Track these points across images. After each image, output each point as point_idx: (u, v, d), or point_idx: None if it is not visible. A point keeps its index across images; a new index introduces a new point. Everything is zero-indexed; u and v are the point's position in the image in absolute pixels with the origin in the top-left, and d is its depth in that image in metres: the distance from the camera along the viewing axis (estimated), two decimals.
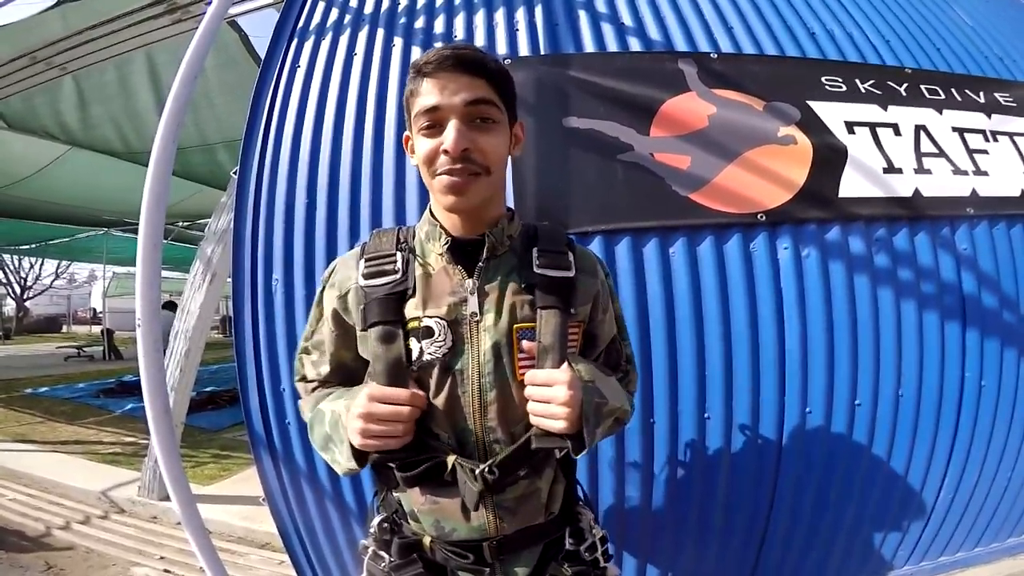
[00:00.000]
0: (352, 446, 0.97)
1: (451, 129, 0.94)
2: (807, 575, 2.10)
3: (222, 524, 3.42)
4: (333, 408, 1.05)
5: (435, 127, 0.97)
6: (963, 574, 2.24)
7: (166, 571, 3.12)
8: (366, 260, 1.07)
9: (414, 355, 1.00)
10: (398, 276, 1.04)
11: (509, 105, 1.04)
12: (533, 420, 0.97)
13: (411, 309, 1.02)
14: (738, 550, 2.03)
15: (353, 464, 0.99)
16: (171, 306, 8.92)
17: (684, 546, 2.00)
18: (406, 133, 1.10)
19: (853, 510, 2.06)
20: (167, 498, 3.79)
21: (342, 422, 1.00)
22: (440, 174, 0.97)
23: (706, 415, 1.90)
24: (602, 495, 1.92)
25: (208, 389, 7.20)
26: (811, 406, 1.95)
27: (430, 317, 1.01)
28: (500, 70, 1.01)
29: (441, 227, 1.05)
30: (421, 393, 0.98)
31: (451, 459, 0.99)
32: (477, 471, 0.97)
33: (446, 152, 0.94)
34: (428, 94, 0.96)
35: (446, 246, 1.04)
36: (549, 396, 0.94)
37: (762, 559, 2.04)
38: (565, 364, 0.98)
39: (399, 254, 1.06)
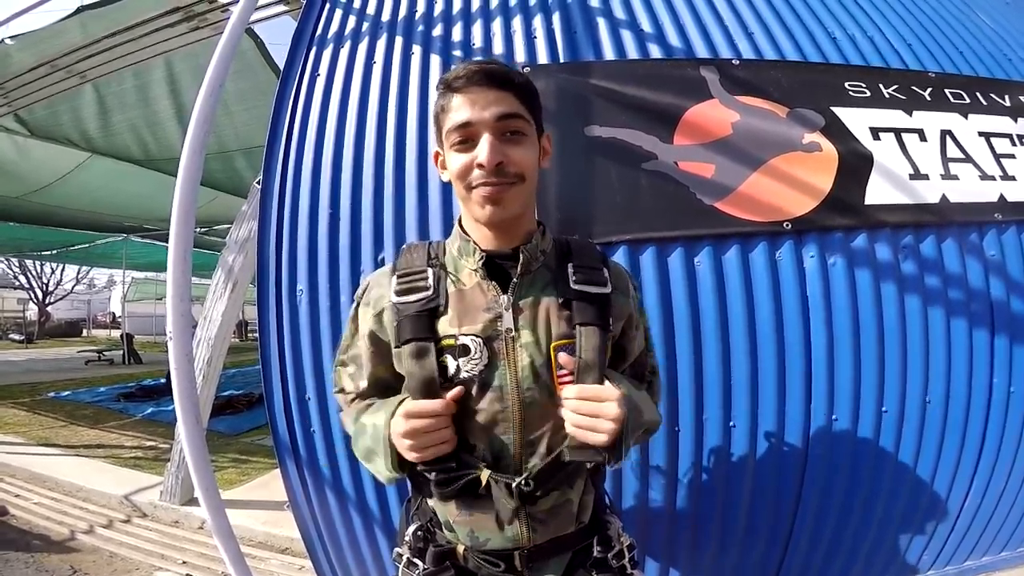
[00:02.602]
0: (397, 457, 1.02)
1: (484, 143, 0.96)
2: None
3: (243, 529, 3.44)
4: (374, 421, 1.06)
5: (467, 142, 0.98)
6: None
7: (188, 575, 3.15)
8: (398, 277, 1.09)
9: (450, 372, 1.01)
10: (429, 293, 1.05)
11: (536, 118, 1.05)
12: (574, 432, 0.98)
13: (446, 326, 1.03)
14: (761, 555, 2.02)
15: (397, 474, 1.04)
16: None
17: (706, 552, 1.99)
18: (435, 149, 1.11)
19: (879, 516, 2.04)
20: (189, 503, 3.83)
21: (383, 435, 1.02)
22: (476, 187, 0.98)
23: (731, 423, 1.89)
24: (626, 501, 1.92)
25: (226, 393, 7.25)
26: (837, 413, 1.93)
27: (465, 335, 1.02)
28: (527, 83, 1.04)
29: (474, 242, 1.06)
30: (451, 398, 0.99)
31: (485, 475, 1.00)
32: (513, 485, 0.99)
33: (480, 166, 0.96)
34: (459, 109, 0.98)
35: (480, 262, 1.05)
36: (598, 411, 0.95)
37: (785, 565, 2.03)
38: (607, 381, 0.99)
39: (430, 270, 1.08)
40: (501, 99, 0.98)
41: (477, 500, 1.03)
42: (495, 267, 1.06)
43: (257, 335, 2.13)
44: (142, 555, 3.37)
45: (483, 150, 0.96)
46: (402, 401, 1.03)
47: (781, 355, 1.89)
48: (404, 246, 1.17)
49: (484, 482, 1.00)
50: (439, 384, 1.00)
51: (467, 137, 0.98)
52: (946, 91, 2.20)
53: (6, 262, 23.21)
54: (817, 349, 1.90)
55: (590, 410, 0.96)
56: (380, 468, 1.06)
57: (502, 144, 0.97)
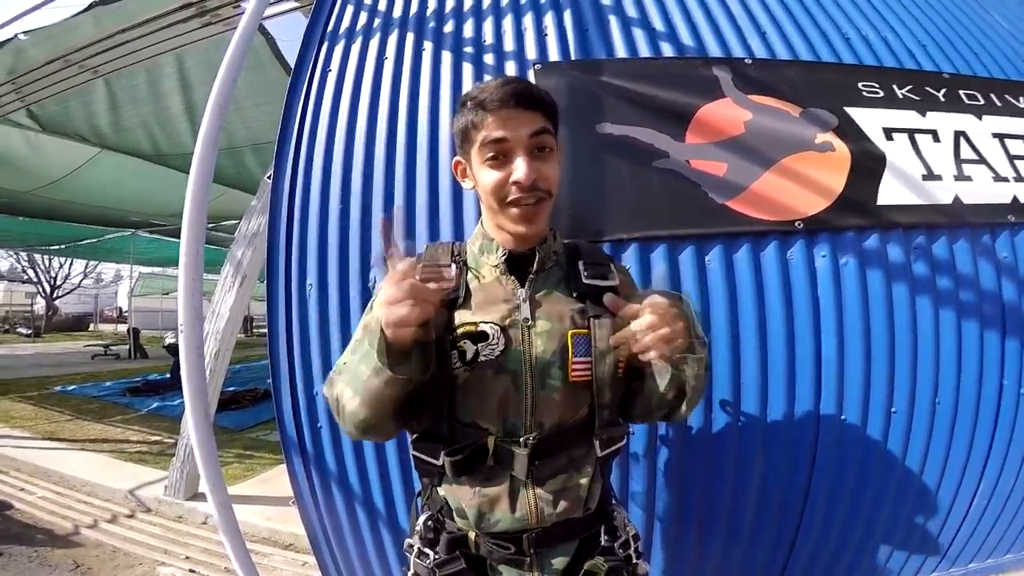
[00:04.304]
0: (385, 353, 0.93)
1: (521, 163, 1.04)
2: None
3: (247, 524, 3.46)
4: (366, 321, 1.08)
5: (499, 158, 1.06)
6: None
7: (192, 571, 3.16)
8: (423, 267, 1.12)
9: (468, 356, 1.07)
10: (451, 285, 1.09)
11: (557, 132, 1.13)
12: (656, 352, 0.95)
13: (467, 315, 1.10)
14: (767, 555, 2.01)
15: (388, 373, 0.94)
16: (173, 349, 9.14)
17: (712, 549, 1.98)
18: (456, 159, 1.19)
19: (885, 517, 2.02)
20: (193, 498, 3.85)
21: (375, 336, 0.93)
22: (511, 204, 1.07)
23: (740, 421, 1.88)
24: (633, 497, 1.91)
25: (231, 388, 7.27)
26: (847, 414, 1.92)
27: (485, 323, 1.08)
28: (551, 102, 1.12)
29: (497, 241, 1.17)
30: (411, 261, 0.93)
31: (491, 440, 1.08)
32: (521, 439, 1.07)
33: (517, 183, 1.05)
34: (493, 128, 1.05)
35: (503, 258, 1.15)
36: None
37: (790, 563, 2.03)
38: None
39: (453, 266, 1.13)
40: (532, 119, 1.06)
41: (488, 476, 1.09)
42: (512, 264, 1.16)
43: (263, 331, 2.13)
44: (145, 550, 3.39)
45: (520, 169, 1.04)
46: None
47: (791, 354, 1.88)
48: (428, 244, 1.26)
49: (491, 449, 1.08)
50: (450, 371, 1.07)
51: (500, 153, 1.06)
52: (960, 92, 2.18)
53: (15, 256, 23.39)
54: (827, 349, 1.89)
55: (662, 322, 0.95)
56: (366, 379, 0.98)
57: (535, 161, 1.06)
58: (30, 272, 24.82)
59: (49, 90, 4.73)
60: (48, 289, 24.87)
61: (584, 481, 1.12)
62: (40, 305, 24.83)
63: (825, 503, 1.96)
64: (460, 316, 1.10)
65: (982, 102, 2.19)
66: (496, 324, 1.08)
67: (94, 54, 4.25)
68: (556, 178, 1.11)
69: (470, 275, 1.16)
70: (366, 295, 1.93)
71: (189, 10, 3.79)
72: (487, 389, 1.08)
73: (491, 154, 1.06)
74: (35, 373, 10.03)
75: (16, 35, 4.17)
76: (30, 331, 20.31)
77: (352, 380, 1.02)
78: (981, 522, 2.11)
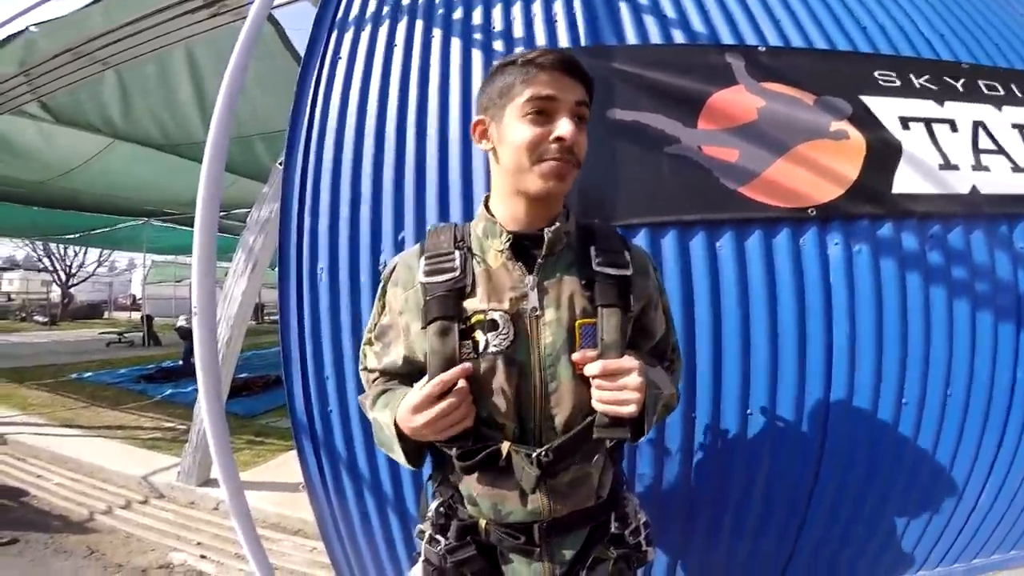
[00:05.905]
0: (413, 445, 1.09)
1: (568, 123, 1.01)
2: (840, 572, 2.08)
3: (256, 510, 3.46)
4: (385, 420, 1.11)
5: (542, 115, 1.02)
6: None
7: (203, 556, 3.19)
8: (426, 258, 1.13)
9: (480, 347, 1.05)
10: (457, 274, 1.09)
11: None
12: (602, 408, 1.02)
13: (475, 304, 1.07)
14: (772, 545, 2.01)
15: (411, 467, 1.13)
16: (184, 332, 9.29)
17: (719, 540, 1.99)
18: (478, 119, 1.13)
19: (892, 509, 2.02)
20: (205, 484, 3.88)
21: (393, 433, 1.09)
22: (547, 160, 1.02)
23: (749, 411, 1.87)
24: (640, 487, 1.90)
25: (242, 375, 7.30)
26: (857, 403, 1.90)
27: (494, 311, 1.06)
28: (592, 79, 1.09)
29: (500, 224, 1.11)
30: (449, 377, 1.01)
31: (505, 446, 1.05)
32: (533, 455, 1.03)
33: (561, 139, 1.01)
34: (545, 85, 1.02)
35: (508, 243, 1.09)
36: (622, 383, 1.00)
37: (796, 554, 2.02)
38: (627, 355, 1.04)
39: (457, 252, 1.12)
40: (577, 88, 1.05)
41: (500, 474, 1.07)
42: (520, 248, 1.10)
43: (274, 318, 2.14)
44: (158, 536, 3.42)
45: (566, 127, 1.01)
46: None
47: (802, 342, 1.86)
48: (430, 228, 1.21)
49: (504, 453, 1.05)
50: (460, 362, 1.03)
51: (544, 110, 1.02)
52: (979, 82, 2.14)
53: (31, 245, 23.63)
54: (839, 337, 1.87)
55: (613, 384, 1.00)
56: (399, 460, 1.13)
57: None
58: (45, 261, 25.04)
59: (60, 81, 4.74)
60: (63, 277, 25.06)
61: (596, 471, 1.12)
62: (56, 293, 25.07)
63: (832, 493, 1.95)
64: (469, 304, 1.07)
65: (1002, 93, 2.15)
66: (505, 313, 1.05)
67: (104, 45, 4.26)
68: (585, 151, 1.08)
69: (475, 261, 1.11)
70: (376, 279, 1.94)
71: (197, 1, 3.79)
72: (498, 382, 1.05)
73: (535, 109, 1.02)
74: (52, 360, 10.11)
75: (27, 27, 4.19)
76: (46, 319, 20.49)
77: (391, 447, 1.13)
78: (988, 517, 2.10)
